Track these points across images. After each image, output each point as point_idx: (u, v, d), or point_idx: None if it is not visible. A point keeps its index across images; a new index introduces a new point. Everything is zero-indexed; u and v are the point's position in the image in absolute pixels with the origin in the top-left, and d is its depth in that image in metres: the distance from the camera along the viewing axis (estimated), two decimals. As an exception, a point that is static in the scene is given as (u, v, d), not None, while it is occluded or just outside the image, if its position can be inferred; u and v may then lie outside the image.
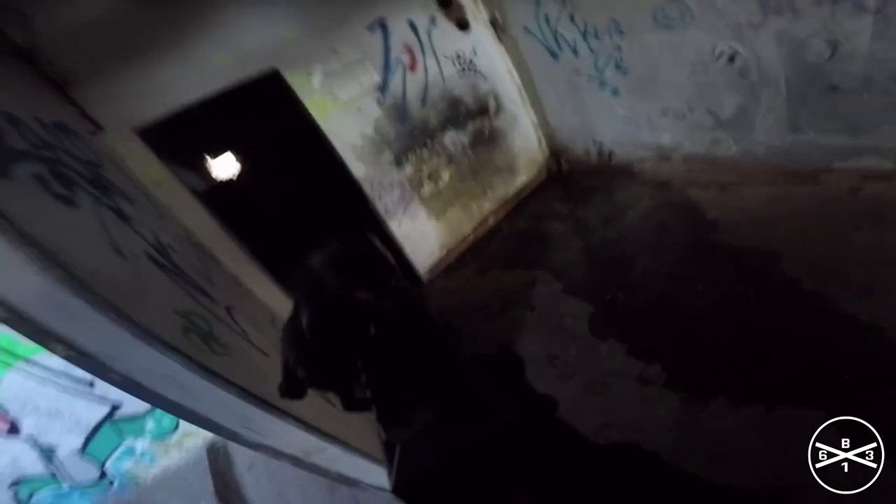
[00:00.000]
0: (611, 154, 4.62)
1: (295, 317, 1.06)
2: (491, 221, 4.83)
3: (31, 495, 3.36)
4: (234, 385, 1.58)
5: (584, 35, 3.87)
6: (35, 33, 2.45)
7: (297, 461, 1.85)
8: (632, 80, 3.91)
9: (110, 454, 3.49)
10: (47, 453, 3.31)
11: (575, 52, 4.06)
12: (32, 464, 3.29)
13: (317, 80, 3.45)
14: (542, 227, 4.52)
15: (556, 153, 5.18)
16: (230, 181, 3.64)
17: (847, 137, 3.09)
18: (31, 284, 1.16)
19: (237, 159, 3.58)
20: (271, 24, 3.26)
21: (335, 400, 1.11)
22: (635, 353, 2.80)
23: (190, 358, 1.47)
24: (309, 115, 3.47)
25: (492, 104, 4.60)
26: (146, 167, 2.87)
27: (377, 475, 2.11)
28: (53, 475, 3.36)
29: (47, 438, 3.28)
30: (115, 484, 3.56)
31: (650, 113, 4.02)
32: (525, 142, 4.97)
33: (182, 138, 3.11)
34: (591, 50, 3.94)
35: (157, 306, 1.67)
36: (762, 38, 3.01)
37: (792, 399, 2.15)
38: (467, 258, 4.60)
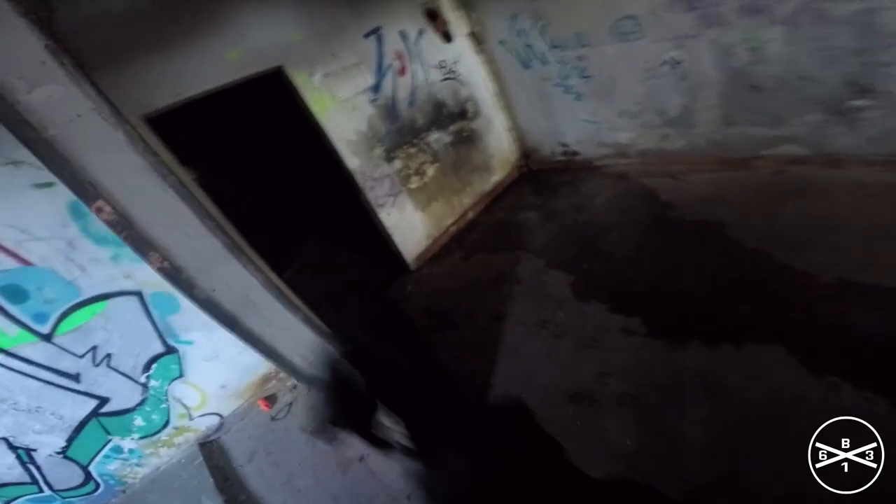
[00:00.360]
0: (575, 153, 5.14)
1: (336, 369, 1.22)
2: (470, 215, 5.18)
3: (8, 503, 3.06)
4: (300, 309, 1.71)
5: (552, 47, 4.41)
6: (55, 20, 2.51)
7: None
8: (593, 86, 4.47)
9: (95, 455, 3.25)
10: (26, 456, 3.05)
11: (544, 62, 4.59)
12: (9, 468, 3.00)
13: (318, 78, 3.70)
14: (519, 216, 4.90)
15: (526, 154, 5.68)
16: (231, 168, 3.72)
17: (769, 129, 3.73)
18: (146, 189, 1.27)
19: (241, 148, 3.67)
20: (279, 26, 3.50)
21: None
22: (616, 310, 3.15)
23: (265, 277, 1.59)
24: (309, 110, 3.69)
25: (470, 108, 5.03)
26: (152, 153, 2.95)
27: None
28: (33, 480, 3.09)
29: (26, 439, 3.02)
30: (101, 488, 3.31)
31: (609, 115, 4.58)
32: (499, 143, 5.43)
33: (189, 127, 3.18)
34: (559, 60, 4.48)
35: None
36: (698, 47, 3.63)
37: (755, 337, 2.54)
38: (451, 247, 4.87)
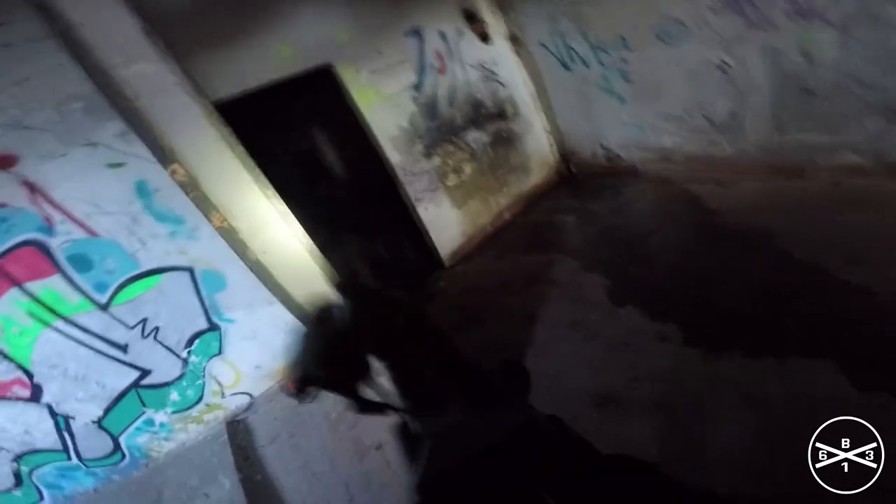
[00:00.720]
0: (617, 157, 5.14)
1: (322, 315, 1.08)
2: (507, 216, 5.27)
3: (32, 471, 3.24)
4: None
5: (594, 50, 4.47)
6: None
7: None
8: (636, 89, 4.48)
9: (127, 427, 3.41)
10: (63, 423, 3.22)
11: (586, 64, 4.65)
12: (45, 435, 3.19)
13: (364, 75, 3.96)
14: (556, 219, 4.94)
15: (565, 157, 5.72)
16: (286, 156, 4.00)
17: (826, 136, 3.62)
18: (215, 157, 1.45)
19: (294, 136, 3.96)
20: (328, 26, 3.80)
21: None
22: (652, 316, 3.11)
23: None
24: (355, 105, 3.95)
25: (509, 109, 5.16)
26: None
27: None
28: (64, 448, 3.26)
29: (67, 407, 3.21)
30: (126, 459, 3.46)
31: (653, 119, 4.58)
32: (538, 145, 5.51)
33: (248, 117, 3.48)
34: (601, 63, 4.53)
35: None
36: (747, 50, 3.59)
37: (801, 351, 2.42)
38: (486, 246, 4.96)
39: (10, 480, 3.20)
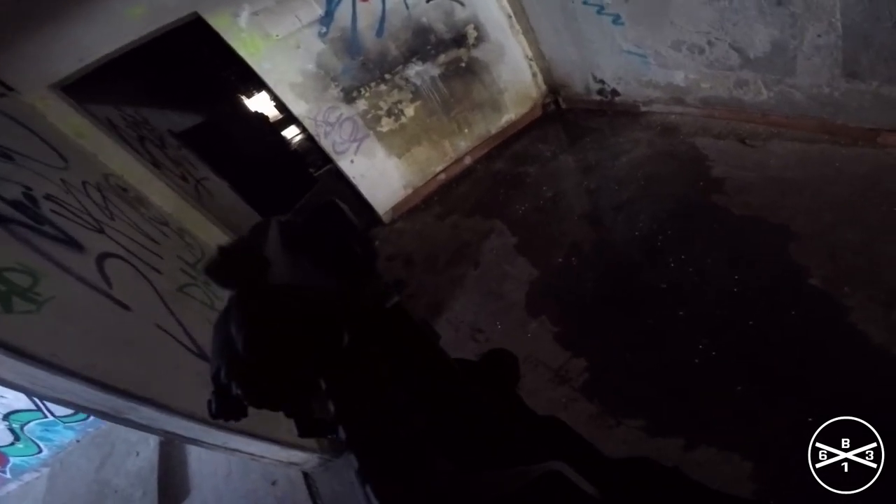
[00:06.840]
0: (613, 91, 3.64)
1: (228, 312, 0.58)
2: (468, 161, 4.27)
3: (23, 426, 3.49)
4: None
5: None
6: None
7: (107, 416, 1.69)
8: (637, 5, 2.94)
9: None
10: None
11: (569, -29, 3.08)
12: (16, 398, 3.32)
13: (244, 19, 3.05)
14: (519, 170, 3.86)
15: (554, 90, 4.29)
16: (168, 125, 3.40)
17: (925, 93, 1.99)
18: None
19: (168, 102, 3.26)
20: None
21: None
22: (563, 341, 2.26)
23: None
24: (238, 56, 3.13)
25: (471, 33, 3.83)
26: (66, 121, 2.80)
27: (211, 434, 1.88)
28: (38, 408, 3.46)
29: None
30: (92, 416, 3.67)
31: (659, 46, 3.04)
32: (514, 75, 4.16)
33: (110, 88, 2.84)
34: (587, -31, 2.95)
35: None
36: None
37: (724, 440, 1.56)
38: (434, 199, 4.15)
39: (10, 436, 3.51)
